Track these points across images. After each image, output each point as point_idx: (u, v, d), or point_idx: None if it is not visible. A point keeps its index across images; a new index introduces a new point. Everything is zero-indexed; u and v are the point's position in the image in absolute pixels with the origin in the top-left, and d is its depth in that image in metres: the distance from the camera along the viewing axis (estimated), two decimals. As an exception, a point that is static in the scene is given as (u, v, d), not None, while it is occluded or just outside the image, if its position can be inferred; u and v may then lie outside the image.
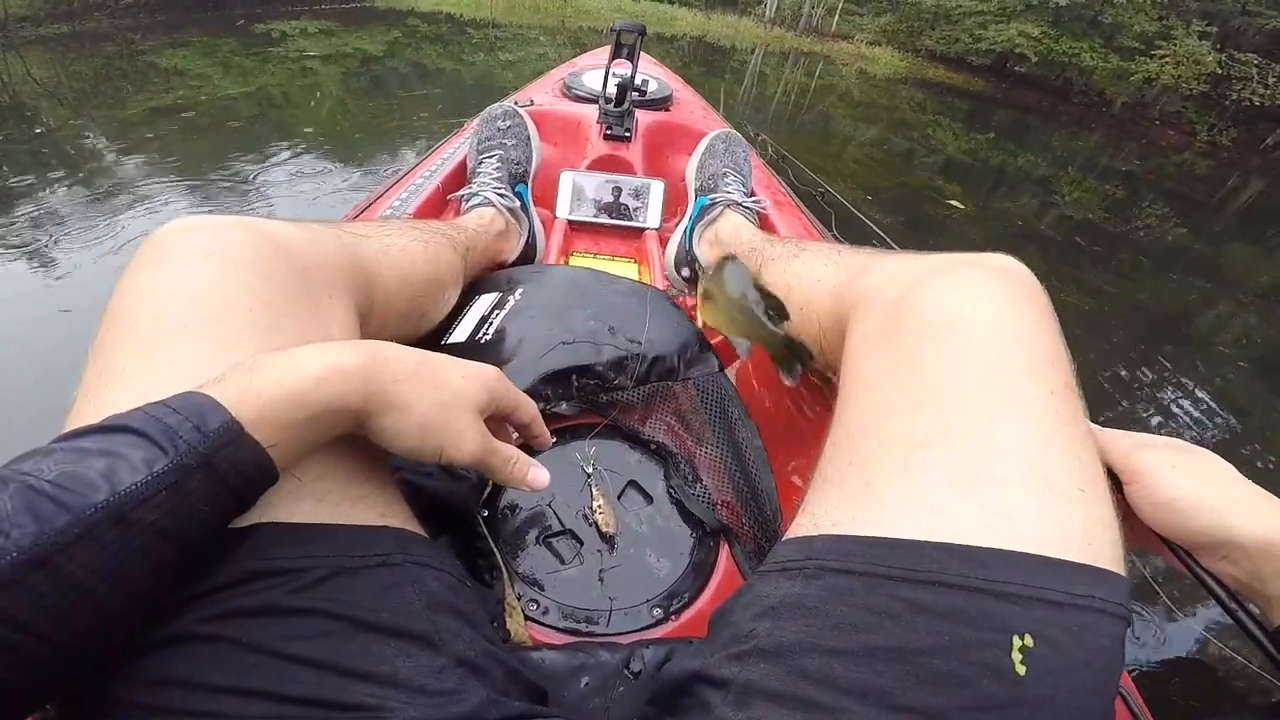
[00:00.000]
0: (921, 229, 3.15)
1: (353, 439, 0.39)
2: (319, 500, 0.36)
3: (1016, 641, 0.30)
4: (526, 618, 0.56)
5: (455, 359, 0.43)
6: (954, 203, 3.50)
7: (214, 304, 0.38)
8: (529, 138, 1.05)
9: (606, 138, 1.20)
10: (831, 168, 3.68)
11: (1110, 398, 2.10)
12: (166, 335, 0.36)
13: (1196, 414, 2.13)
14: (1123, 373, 2.26)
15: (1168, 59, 7.97)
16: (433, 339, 0.70)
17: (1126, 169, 5.80)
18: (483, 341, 0.68)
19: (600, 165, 1.18)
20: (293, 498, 0.35)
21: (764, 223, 1.06)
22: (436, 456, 0.40)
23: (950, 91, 8.31)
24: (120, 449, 0.27)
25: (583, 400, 0.67)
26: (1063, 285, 2.76)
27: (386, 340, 0.63)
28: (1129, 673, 0.52)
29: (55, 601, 0.25)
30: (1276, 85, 7.66)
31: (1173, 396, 2.21)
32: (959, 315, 0.41)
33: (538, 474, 0.47)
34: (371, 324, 0.56)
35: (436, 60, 5.24)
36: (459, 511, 0.58)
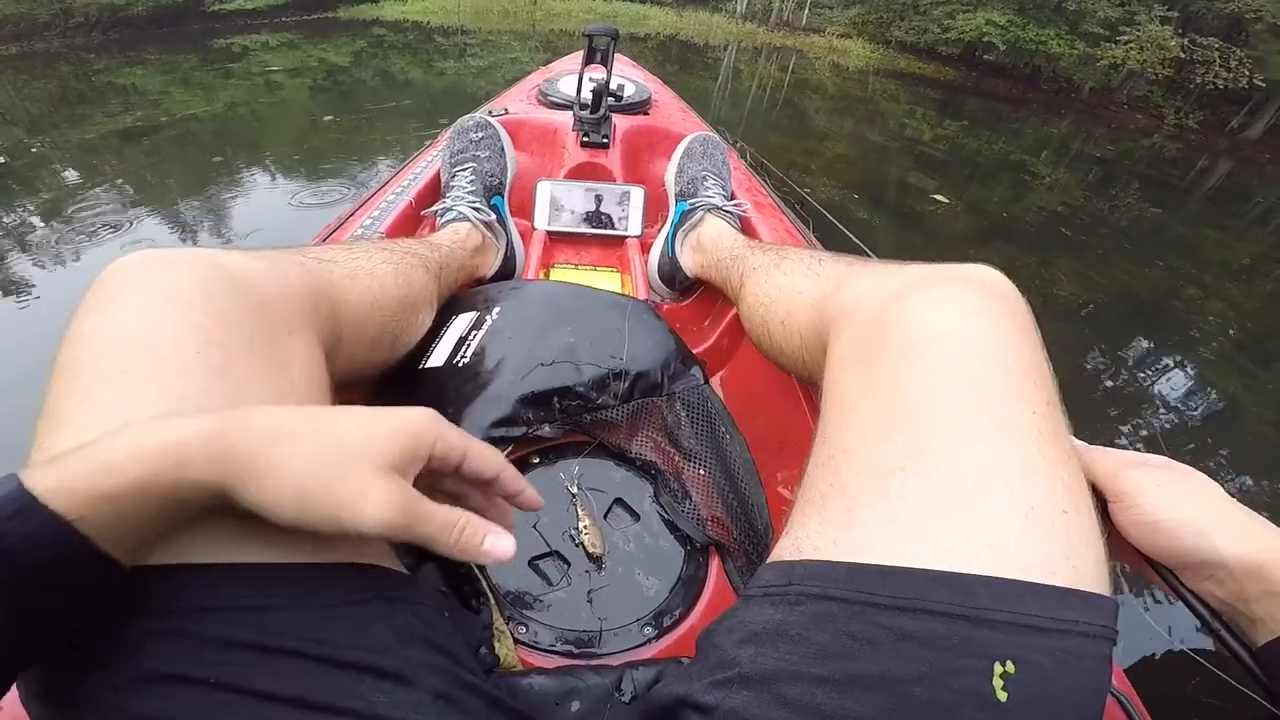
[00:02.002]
0: (903, 223, 3.16)
1: None
2: (270, 543, 0.34)
3: (998, 668, 0.30)
4: (516, 642, 0.55)
5: (355, 409, 0.36)
6: (938, 197, 3.51)
7: (158, 346, 0.36)
8: (503, 148, 1.03)
9: (584, 145, 1.18)
10: (811, 164, 3.69)
11: (1091, 383, 2.12)
12: (107, 380, 0.35)
13: (1176, 395, 2.16)
14: (1102, 358, 2.29)
15: (1132, 44, 8.07)
16: (410, 364, 0.68)
17: (1099, 154, 5.87)
18: (460, 365, 0.66)
19: (579, 173, 1.16)
20: (244, 541, 0.33)
21: (745, 226, 1.05)
22: (334, 526, 0.33)
23: (922, 82, 8.37)
24: None
25: (566, 422, 0.66)
26: (1043, 273, 2.77)
27: (362, 368, 0.63)
28: (1124, 672, 0.52)
29: None
30: (1238, 69, 7.78)
31: (1152, 378, 2.24)
32: (938, 332, 0.41)
33: (497, 543, 0.37)
34: (340, 354, 0.54)
35: (405, 69, 5.18)
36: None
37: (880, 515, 0.36)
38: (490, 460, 0.41)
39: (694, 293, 1.03)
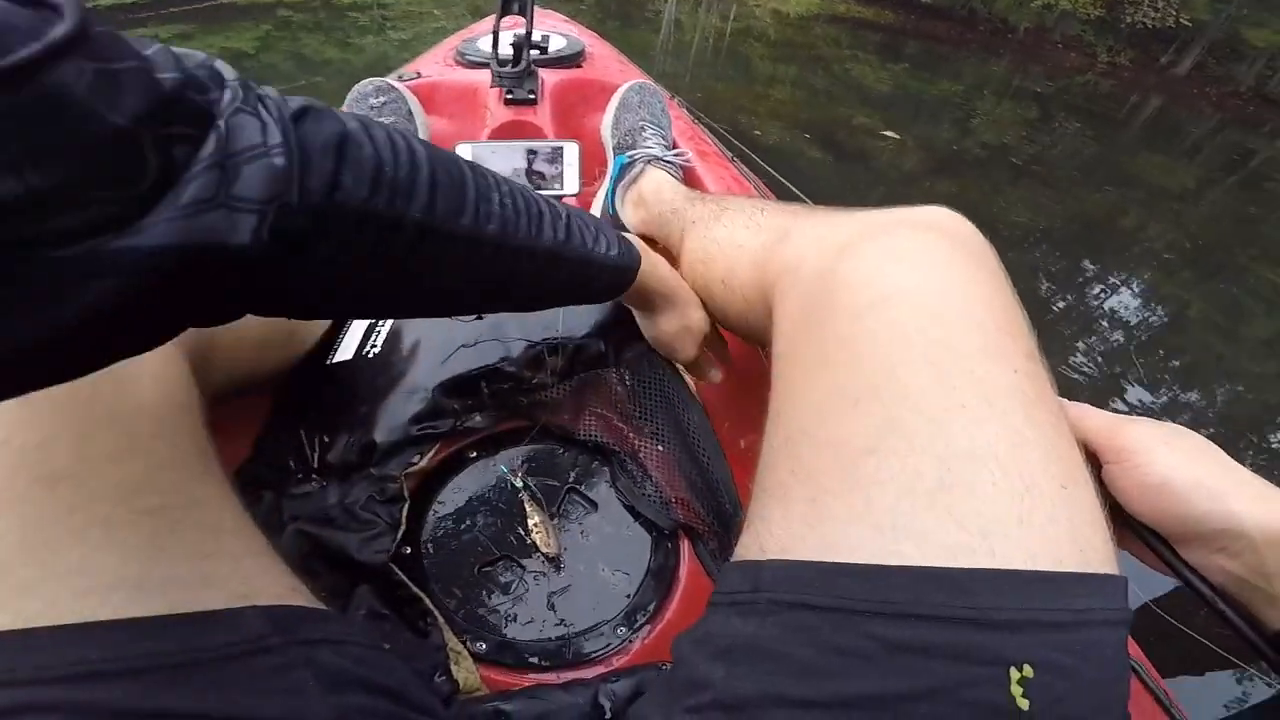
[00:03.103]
0: (855, 161, 3.21)
1: (185, 512, 0.34)
2: (140, 590, 0.30)
3: (1014, 674, 0.26)
4: (477, 660, 0.49)
5: None
6: (888, 133, 3.53)
7: None
8: (410, 112, 0.95)
9: (508, 103, 1.10)
10: (759, 108, 3.70)
11: (1045, 306, 2.18)
12: None
13: (1126, 311, 2.26)
14: (1054, 283, 2.36)
15: (1064, -15, 8.19)
16: (315, 361, 0.60)
17: (1038, 89, 5.99)
18: (371, 356, 0.58)
19: (504, 133, 1.08)
20: (100, 590, 0.29)
21: (690, 177, 1.00)
22: None
23: (862, 25, 8.36)
24: None
25: (499, 407, 0.59)
26: (997, 202, 2.84)
27: (255, 371, 0.55)
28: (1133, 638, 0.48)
29: None
30: (1165, 8, 8.03)
31: (1103, 298, 2.34)
32: (896, 288, 0.35)
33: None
34: (216, 361, 0.48)
35: (319, 49, 4.85)
36: (372, 558, 0.49)
37: (853, 506, 0.31)
38: None
39: None
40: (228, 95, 0.25)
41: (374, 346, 0.60)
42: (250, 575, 0.36)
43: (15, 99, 0.18)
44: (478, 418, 0.57)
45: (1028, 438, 0.30)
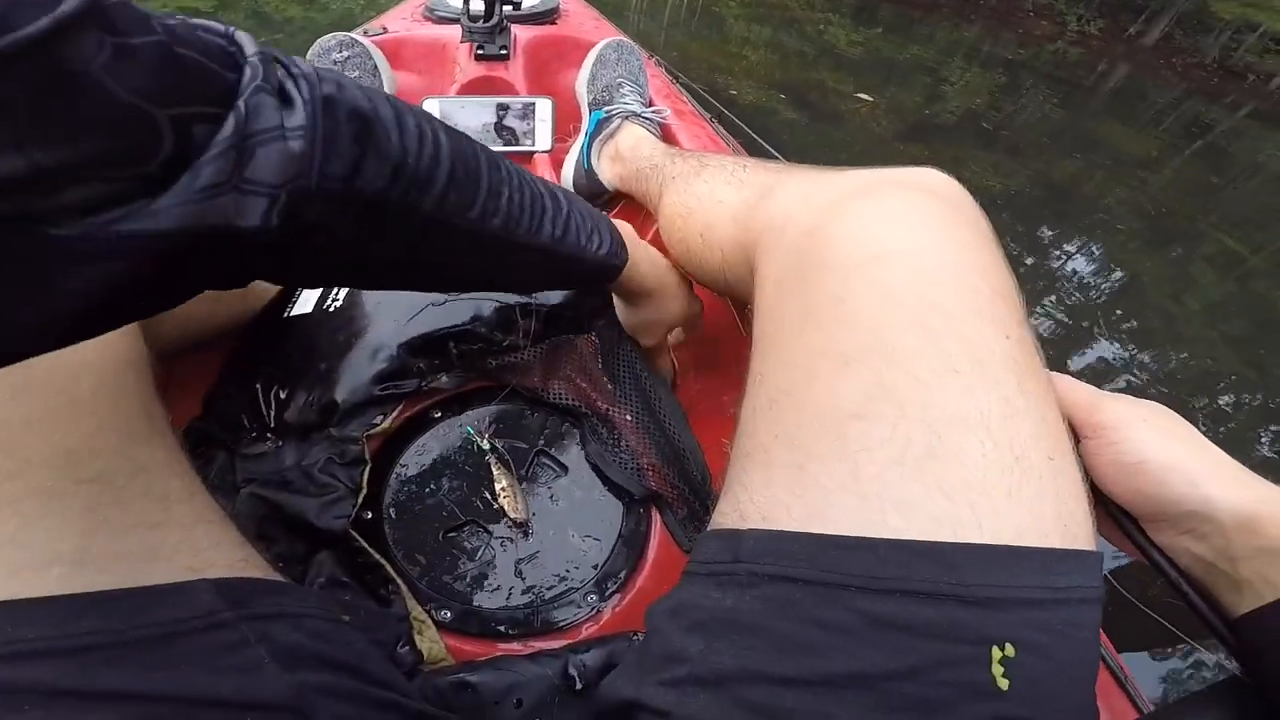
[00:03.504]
0: (830, 123, 3.21)
1: (130, 479, 0.32)
2: (80, 564, 0.29)
3: (996, 653, 0.26)
4: (441, 629, 0.47)
5: None
6: (862, 95, 3.52)
7: None
8: (376, 67, 0.91)
9: (479, 58, 1.06)
10: (735, 68, 3.66)
11: (1012, 267, 2.23)
12: None
13: (1088, 274, 2.33)
14: (1020, 245, 2.42)
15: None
16: (273, 312, 0.56)
17: (1009, 56, 5.99)
18: (332, 309, 0.55)
19: (474, 88, 1.04)
20: (36, 565, 0.28)
21: (667, 135, 0.98)
22: None
23: (835, -13, 8.20)
24: None
25: (467, 369, 0.56)
26: (968, 165, 2.88)
27: (208, 325, 0.52)
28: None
29: None
30: (1134, -23, 8.01)
31: (1066, 260, 2.41)
32: (887, 248, 0.34)
33: None
34: (169, 317, 0.44)
35: (281, 7, 4.57)
36: (331, 524, 0.47)
37: (840, 474, 0.30)
38: None
39: (616, 207, 0.96)
40: (247, 73, 0.25)
41: (335, 300, 0.57)
42: (201, 546, 0.34)
43: (24, 74, 0.17)
44: (444, 378, 0.55)
45: (1019, 407, 0.30)
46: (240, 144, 0.23)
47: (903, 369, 0.30)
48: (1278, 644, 0.29)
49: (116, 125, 0.19)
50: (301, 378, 0.53)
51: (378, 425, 0.52)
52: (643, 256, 0.55)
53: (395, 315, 0.55)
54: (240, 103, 0.23)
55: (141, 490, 0.33)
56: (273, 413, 0.52)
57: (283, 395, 0.52)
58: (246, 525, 0.46)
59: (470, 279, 0.46)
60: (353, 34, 0.92)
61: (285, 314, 0.57)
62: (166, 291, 0.25)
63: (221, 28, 0.25)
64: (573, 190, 0.93)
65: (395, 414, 0.54)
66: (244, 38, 0.26)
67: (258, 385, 0.53)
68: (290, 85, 0.26)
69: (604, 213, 0.51)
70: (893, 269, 0.33)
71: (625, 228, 0.54)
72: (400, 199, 0.32)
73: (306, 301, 0.57)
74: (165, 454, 0.36)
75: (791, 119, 3.08)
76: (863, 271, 0.33)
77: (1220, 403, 1.99)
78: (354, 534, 0.48)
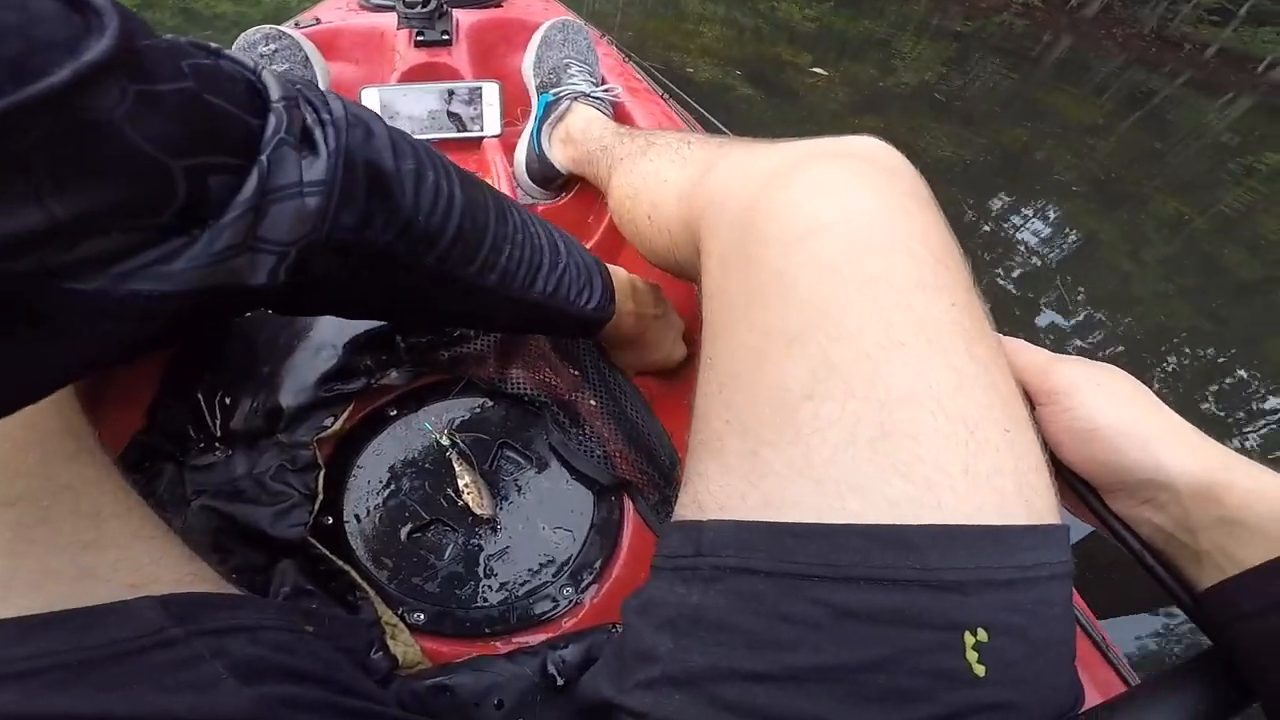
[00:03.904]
0: (786, 98, 3.23)
1: (54, 499, 0.31)
2: (8, 588, 0.28)
3: (969, 639, 0.25)
4: (415, 632, 0.46)
5: None
6: (817, 70, 3.55)
7: None
8: (307, 58, 0.86)
9: (419, 44, 1.03)
10: (691, 45, 3.67)
11: (968, 234, 2.29)
12: None
13: (1042, 238, 2.39)
14: (975, 213, 2.47)
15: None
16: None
17: (957, 29, 6.09)
18: (271, 312, 0.52)
19: (416, 76, 1.01)
20: None
21: (620, 113, 0.96)
22: None
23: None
24: None
25: (418, 363, 0.54)
26: (922, 135, 2.92)
27: None
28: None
29: None
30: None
31: (1020, 225, 2.48)
32: (826, 220, 0.33)
33: None
34: None
35: (211, 2, 4.41)
36: (287, 532, 0.45)
37: (793, 459, 0.29)
38: None
39: (572, 190, 0.94)
40: (272, 123, 0.24)
41: (274, 302, 0.54)
42: (142, 563, 0.33)
43: (42, 127, 0.16)
44: (394, 374, 0.53)
45: (969, 376, 0.29)
46: (260, 203, 0.23)
47: (848, 344, 0.29)
48: (1239, 620, 0.28)
49: (134, 176, 0.19)
50: (244, 384, 0.50)
51: (329, 428, 0.50)
52: (629, 310, 0.55)
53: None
54: (264, 158, 0.23)
55: (69, 509, 0.32)
56: (218, 421, 0.49)
57: (227, 402, 0.50)
58: (200, 539, 0.44)
59: (455, 322, 0.49)
60: (281, 27, 0.88)
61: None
62: (166, 340, 0.26)
63: (251, 67, 0.25)
64: (525, 174, 0.91)
65: (346, 415, 0.52)
66: (270, 80, 0.25)
67: (199, 394, 0.50)
68: (318, 133, 0.26)
69: (598, 261, 0.52)
70: (832, 241, 0.32)
71: (622, 276, 0.55)
72: (406, 253, 0.33)
73: (247, 302, 0.54)
74: (95, 471, 0.34)
75: (749, 95, 3.10)
76: (802, 246, 0.32)
77: (1174, 358, 2.06)
78: (313, 541, 0.46)
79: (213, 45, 0.24)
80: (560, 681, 0.42)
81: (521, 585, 0.49)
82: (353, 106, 0.32)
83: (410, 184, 0.32)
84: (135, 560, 0.33)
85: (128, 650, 0.28)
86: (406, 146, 0.33)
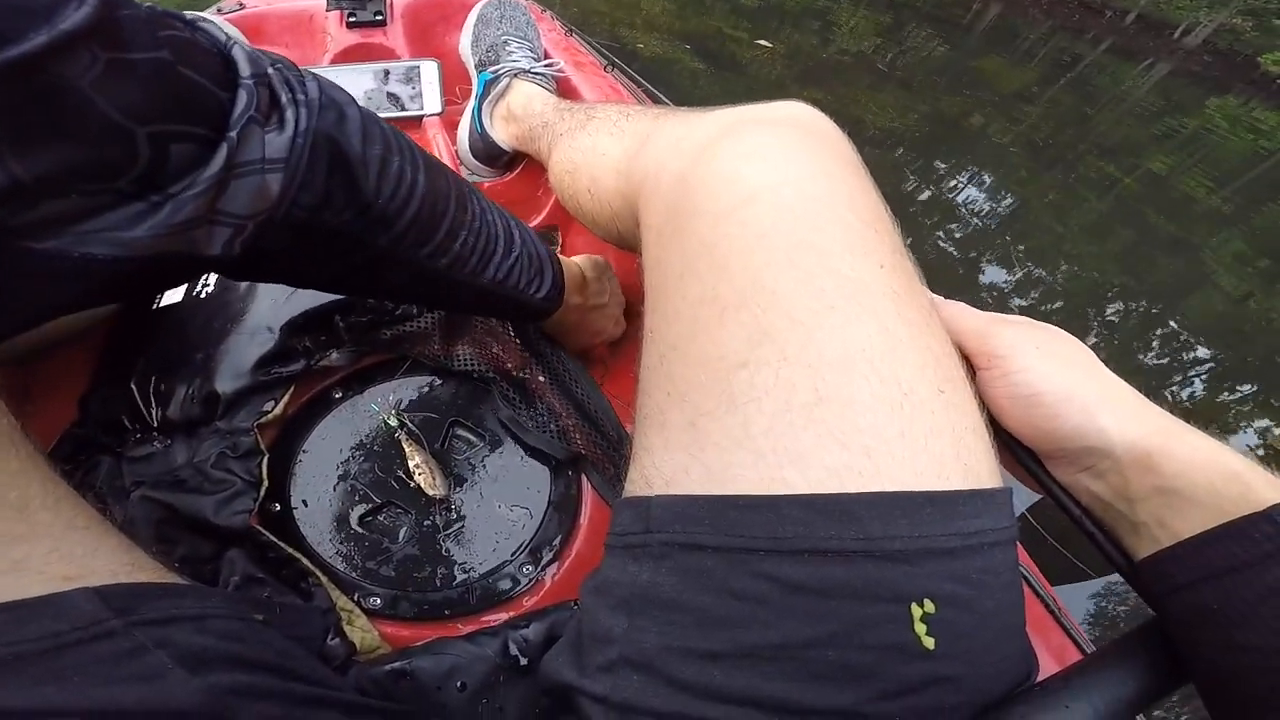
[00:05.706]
0: (731, 69, 3.26)
1: None
2: None
3: (916, 610, 0.25)
4: (372, 616, 0.45)
5: None
6: (762, 42, 3.56)
7: None
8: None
9: (351, 25, 1.00)
10: (636, 20, 3.66)
11: (910, 199, 2.34)
12: None
13: (980, 201, 2.48)
14: (916, 177, 2.54)
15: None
16: (141, 305, 0.51)
17: (892, -2, 6.15)
18: (204, 296, 0.51)
19: (349, 57, 0.98)
20: None
21: (565, 87, 0.94)
22: None
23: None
24: None
25: (359, 342, 0.53)
26: (860, 108, 2.97)
27: (72, 322, 0.47)
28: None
29: None
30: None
31: (959, 189, 2.56)
32: (754, 188, 0.33)
33: None
34: None
35: None
36: (231, 521, 0.44)
37: (731, 429, 0.29)
38: None
39: (519, 165, 0.93)
40: (242, 98, 0.25)
41: (206, 285, 0.52)
42: (76, 554, 0.32)
43: (11, 90, 0.17)
44: (334, 355, 0.52)
45: (901, 338, 0.29)
46: (224, 177, 0.24)
47: (780, 311, 0.29)
48: (1174, 592, 0.27)
49: (96, 140, 0.19)
50: (179, 371, 0.48)
51: (269, 412, 0.48)
52: (575, 304, 0.56)
53: (273, 294, 0.51)
54: (233, 134, 0.23)
55: None
56: (154, 411, 0.48)
57: (162, 389, 0.48)
58: (143, 530, 0.43)
59: (403, 298, 0.50)
60: (205, 14, 0.84)
61: (154, 305, 0.52)
62: (112, 298, 0.26)
63: (222, 41, 0.25)
64: (469, 153, 0.90)
65: (287, 399, 0.50)
66: (240, 56, 0.25)
67: (133, 384, 0.48)
68: (290, 112, 0.27)
69: (552, 253, 0.53)
70: (761, 208, 0.32)
71: (573, 270, 0.57)
72: (361, 233, 0.34)
73: (176, 291, 0.52)
74: (19, 462, 0.33)
75: (695, 68, 3.11)
76: (732, 214, 0.32)
77: (1109, 311, 2.16)
78: (260, 529, 0.44)
79: (188, 15, 0.25)
80: (523, 661, 0.42)
81: (480, 565, 0.49)
82: (330, 89, 0.32)
83: (375, 169, 0.32)
84: (69, 552, 0.31)
85: (65, 643, 0.27)
86: (377, 131, 0.33)
